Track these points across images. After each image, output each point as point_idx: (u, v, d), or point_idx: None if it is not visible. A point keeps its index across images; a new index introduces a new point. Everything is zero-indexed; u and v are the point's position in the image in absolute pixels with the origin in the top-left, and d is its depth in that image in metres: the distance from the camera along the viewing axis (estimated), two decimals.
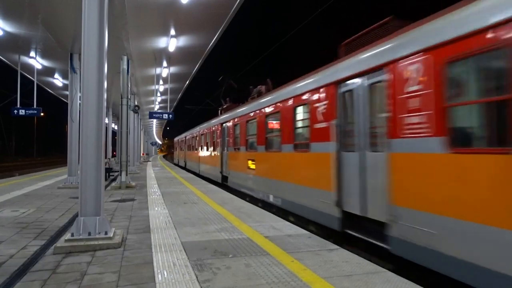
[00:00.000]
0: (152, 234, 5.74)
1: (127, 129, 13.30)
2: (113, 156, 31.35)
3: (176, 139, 45.95)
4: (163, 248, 4.91)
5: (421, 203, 4.47)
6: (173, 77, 18.80)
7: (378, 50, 5.47)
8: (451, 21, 4.16)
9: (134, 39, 12.18)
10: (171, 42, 12.60)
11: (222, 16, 10.69)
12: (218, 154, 16.52)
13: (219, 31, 11.93)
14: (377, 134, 5.54)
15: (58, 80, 18.34)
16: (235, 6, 9.89)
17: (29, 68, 15.18)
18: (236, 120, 13.65)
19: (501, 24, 3.55)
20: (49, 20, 10.41)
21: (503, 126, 3.57)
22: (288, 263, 4.24)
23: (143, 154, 41.79)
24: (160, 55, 14.65)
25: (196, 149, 24.42)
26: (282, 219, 7.00)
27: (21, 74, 15.24)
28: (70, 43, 11.89)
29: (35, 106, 15.46)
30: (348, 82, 6.21)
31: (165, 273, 3.93)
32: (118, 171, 14.21)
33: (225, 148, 15.41)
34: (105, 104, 5.35)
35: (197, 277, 3.79)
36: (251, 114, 11.55)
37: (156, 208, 8.19)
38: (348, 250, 4.92)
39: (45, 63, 15.27)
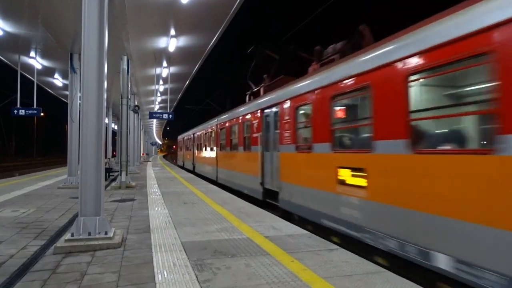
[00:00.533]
0: (152, 234, 5.74)
1: (127, 129, 13.30)
2: (113, 156, 31.33)
3: (180, 137, 39.08)
4: (163, 248, 4.91)
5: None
6: (173, 77, 18.80)
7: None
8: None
9: (134, 39, 12.19)
10: (171, 42, 12.60)
11: (222, 16, 10.69)
12: (256, 156, 11.01)
13: (219, 31, 11.93)
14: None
15: (58, 80, 18.34)
16: (235, 6, 9.89)
17: (29, 68, 15.18)
18: (304, 98, 7.75)
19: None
20: (49, 20, 10.41)
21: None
22: (288, 263, 4.24)
23: (143, 154, 41.74)
24: (160, 55, 14.65)
25: (212, 149, 18.67)
26: (282, 219, 7.01)
27: (21, 74, 15.24)
28: (70, 43, 11.89)
29: (35, 106, 15.45)
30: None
31: (165, 273, 3.93)
32: (118, 171, 14.21)
33: (273, 147, 9.90)
34: (105, 104, 5.35)
35: (197, 277, 3.79)
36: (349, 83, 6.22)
37: (156, 208, 8.19)
38: (343, 248, 4.92)
39: (45, 63, 15.27)
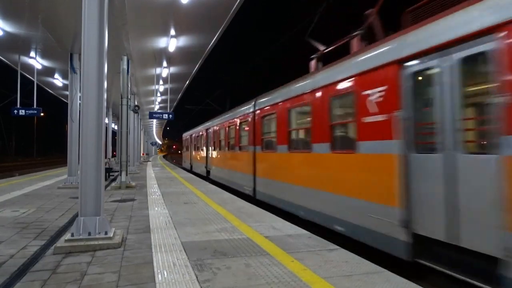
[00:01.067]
0: (152, 234, 5.74)
1: (127, 129, 13.30)
2: (113, 156, 31.32)
3: (186, 135, 32.85)
4: (163, 248, 4.91)
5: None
6: (173, 77, 18.80)
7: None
8: None
9: (134, 39, 12.19)
10: (171, 42, 12.60)
11: (222, 16, 10.68)
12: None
13: (219, 31, 11.92)
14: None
15: (58, 80, 18.34)
16: (235, 6, 9.89)
17: (29, 68, 15.18)
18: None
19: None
20: (49, 20, 10.41)
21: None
22: (288, 263, 4.24)
23: (143, 154, 41.67)
24: (160, 55, 14.65)
25: (243, 149, 13.18)
26: (282, 219, 7.00)
27: (21, 74, 15.24)
28: (70, 43, 11.89)
29: (35, 106, 15.45)
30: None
31: (165, 273, 3.93)
32: (118, 171, 14.21)
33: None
34: (105, 104, 5.35)
35: (197, 277, 3.79)
36: None
37: (156, 208, 8.19)
38: (343, 248, 4.92)
39: (45, 63, 15.27)
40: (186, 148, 33.54)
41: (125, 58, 12.86)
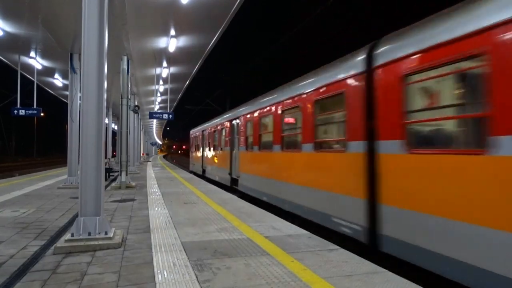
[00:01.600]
0: (152, 234, 5.74)
1: (127, 129, 13.30)
2: (113, 156, 31.32)
3: (196, 131, 25.91)
4: (163, 248, 4.91)
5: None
6: (173, 77, 18.80)
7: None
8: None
9: (134, 39, 12.19)
10: (171, 42, 12.60)
11: (222, 16, 10.68)
12: None
13: (219, 31, 11.92)
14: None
15: (58, 80, 18.34)
16: (235, 6, 9.89)
17: (29, 68, 15.18)
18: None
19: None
20: (49, 20, 10.41)
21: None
22: (288, 263, 4.24)
23: (143, 154, 41.64)
24: (160, 55, 14.65)
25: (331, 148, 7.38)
26: (282, 219, 7.00)
27: (21, 74, 15.24)
28: (70, 43, 11.89)
29: (35, 106, 15.45)
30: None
31: (165, 273, 3.93)
32: (118, 171, 14.21)
33: None
34: (105, 104, 5.35)
35: (197, 277, 3.79)
36: None
37: (156, 208, 8.19)
38: (343, 248, 4.92)
39: (45, 63, 15.27)
40: (195, 148, 26.04)
41: (125, 58, 12.86)
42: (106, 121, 16.60)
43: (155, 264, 4.24)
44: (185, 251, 4.76)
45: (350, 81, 6.39)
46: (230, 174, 15.22)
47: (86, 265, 4.19)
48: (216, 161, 18.61)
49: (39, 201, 9.28)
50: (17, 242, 5.22)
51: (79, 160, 6.08)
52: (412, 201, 4.76)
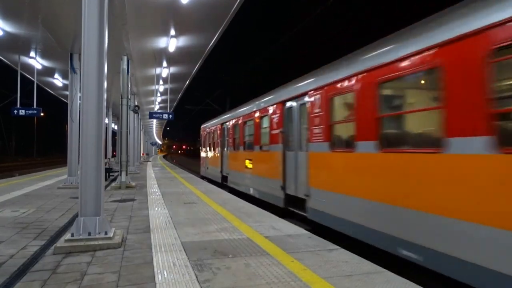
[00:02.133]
0: (152, 234, 5.74)
1: (127, 129, 13.30)
2: (113, 156, 31.31)
3: (210, 125, 20.16)
4: (163, 248, 4.91)
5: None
6: (173, 77, 18.80)
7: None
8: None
9: (134, 39, 12.18)
10: (171, 42, 12.60)
11: (222, 16, 10.68)
12: None
13: (219, 31, 11.92)
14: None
15: (58, 80, 18.34)
16: (235, 6, 9.89)
17: (29, 68, 15.17)
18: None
19: None
20: (49, 20, 10.41)
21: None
22: (288, 263, 4.24)
23: (143, 154, 41.62)
24: (160, 55, 14.65)
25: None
26: (282, 219, 7.01)
27: (21, 74, 15.24)
28: (70, 43, 11.89)
29: (35, 106, 15.46)
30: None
31: (165, 273, 3.93)
32: (118, 171, 14.21)
33: None
34: (105, 104, 5.35)
35: (197, 277, 3.79)
36: None
37: (156, 208, 8.19)
38: (343, 248, 4.92)
39: (45, 63, 15.27)
40: (210, 147, 19.83)
41: (125, 58, 12.86)
42: (106, 121, 16.59)
43: (155, 264, 4.24)
44: (185, 251, 4.76)
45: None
46: (283, 188, 9.50)
47: (86, 265, 4.19)
48: (250, 166, 12.12)
49: (39, 201, 9.27)
50: (17, 242, 5.22)
51: (79, 160, 6.08)
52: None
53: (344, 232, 6.49)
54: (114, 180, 15.27)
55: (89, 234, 4.99)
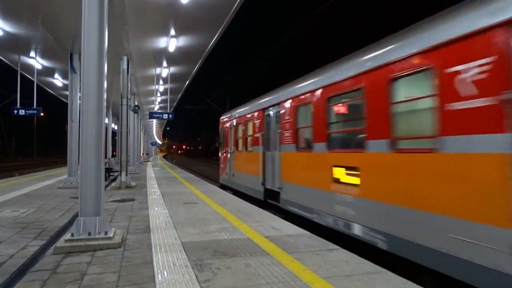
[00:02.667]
0: (152, 234, 5.74)
1: (127, 129, 13.30)
2: (113, 156, 31.31)
3: (241, 112, 13.67)
4: (163, 248, 4.91)
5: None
6: (173, 77, 18.80)
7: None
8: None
9: (134, 39, 12.18)
10: (171, 42, 12.60)
11: (222, 16, 10.68)
12: None
13: (219, 31, 11.92)
14: None
15: (58, 80, 18.34)
16: (235, 6, 9.89)
17: (29, 68, 15.18)
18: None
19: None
20: (49, 20, 10.41)
21: None
22: (288, 263, 4.24)
23: (143, 154, 41.60)
24: (160, 55, 14.65)
25: None
26: (282, 219, 7.01)
27: (21, 74, 15.24)
28: (70, 43, 11.89)
29: (35, 106, 15.46)
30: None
31: (165, 273, 3.93)
32: (118, 171, 14.21)
33: None
34: (105, 104, 5.35)
35: (197, 277, 3.79)
36: None
37: (156, 208, 8.19)
38: (343, 249, 4.92)
39: (45, 63, 15.27)
40: (237, 145, 14.10)
41: (125, 58, 12.86)
42: (106, 121, 16.57)
43: (155, 264, 4.24)
44: (185, 251, 4.76)
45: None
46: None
47: (86, 265, 4.19)
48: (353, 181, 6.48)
49: (39, 201, 9.28)
50: (17, 242, 5.22)
51: (79, 160, 6.08)
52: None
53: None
54: (114, 180, 15.27)
55: (89, 234, 4.99)
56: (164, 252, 4.70)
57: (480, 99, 3.87)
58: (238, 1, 9.65)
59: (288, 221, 7.00)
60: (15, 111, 15.25)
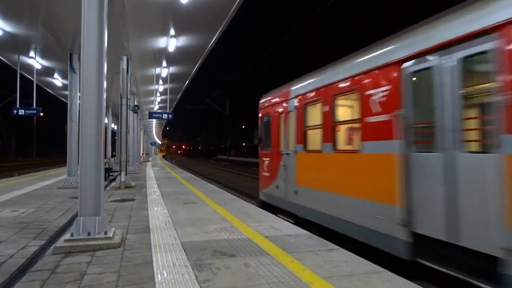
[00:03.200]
0: (151, 234, 5.73)
1: (126, 129, 13.29)
2: (113, 156, 31.30)
3: (303, 86, 8.23)
4: (162, 248, 4.91)
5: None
6: (173, 77, 18.80)
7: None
8: None
9: (134, 39, 12.19)
10: (171, 42, 12.60)
11: (222, 16, 10.68)
12: None
13: (219, 31, 11.92)
14: None
15: (57, 80, 18.34)
16: (234, 6, 9.89)
17: (29, 68, 15.18)
18: None
19: None
20: (49, 20, 10.41)
21: None
22: (288, 263, 4.24)
23: (142, 154, 41.60)
24: (159, 55, 14.65)
25: None
26: (281, 219, 7.00)
27: (20, 74, 15.24)
28: (70, 43, 11.89)
29: (34, 106, 15.45)
30: None
31: (165, 273, 3.93)
32: (117, 171, 14.20)
33: None
34: (104, 104, 5.35)
35: (196, 277, 3.78)
36: None
37: (155, 208, 8.19)
38: (343, 248, 4.92)
39: (45, 63, 15.27)
40: (320, 138, 7.38)
41: (124, 58, 12.86)
42: (106, 121, 16.60)
43: (154, 264, 4.24)
44: (184, 251, 4.76)
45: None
46: None
47: (85, 265, 4.18)
48: None
49: (39, 201, 9.27)
50: (16, 242, 5.22)
51: (78, 160, 6.07)
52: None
53: None
54: (113, 180, 15.26)
55: (89, 234, 4.98)
56: (164, 252, 4.70)
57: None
58: (237, 1, 9.65)
59: None
60: (15, 111, 15.24)
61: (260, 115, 10.97)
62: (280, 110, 9.40)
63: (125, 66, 12.86)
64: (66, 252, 4.67)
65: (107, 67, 5.37)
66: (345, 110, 7.11)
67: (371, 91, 5.73)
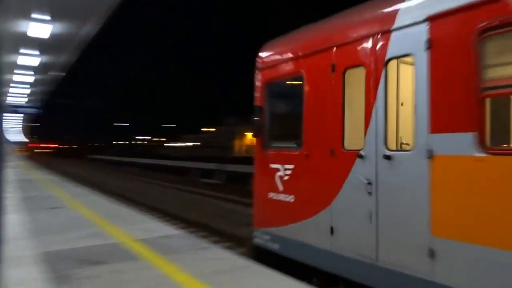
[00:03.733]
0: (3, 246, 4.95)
1: None
2: None
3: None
4: (17, 261, 4.30)
5: None
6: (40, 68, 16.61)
7: None
8: None
9: None
10: (41, 28, 11.13)
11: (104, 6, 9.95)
12: None
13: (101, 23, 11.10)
14: None
15: None
16: None
17: None
18: None
19: None
20: None
21: None
22: (162, 266, 4.21)
23: None
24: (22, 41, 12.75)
25: None
26: (153, 221, 6.97)
27: None
28: None
29: None
30: None
31: None
32: None
33: None
34: None
35: None
36: None
37: (11, 216, 7.08)
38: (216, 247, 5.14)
39: None
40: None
41: None
42: None
43: (5, 281, 3.69)
44: (45, 262, 4.27)
45: None
46: None
47: None
48: None
49: None
50: None
51: None
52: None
53: None
54: None
55: None
56: (18, 267, 4.12)
57: None
58: None
59: None
60: None
61: (262, 80, 5.85)
62: (355, 58, 4.28)
63: None
64: None
65: None
66: None
67: None
